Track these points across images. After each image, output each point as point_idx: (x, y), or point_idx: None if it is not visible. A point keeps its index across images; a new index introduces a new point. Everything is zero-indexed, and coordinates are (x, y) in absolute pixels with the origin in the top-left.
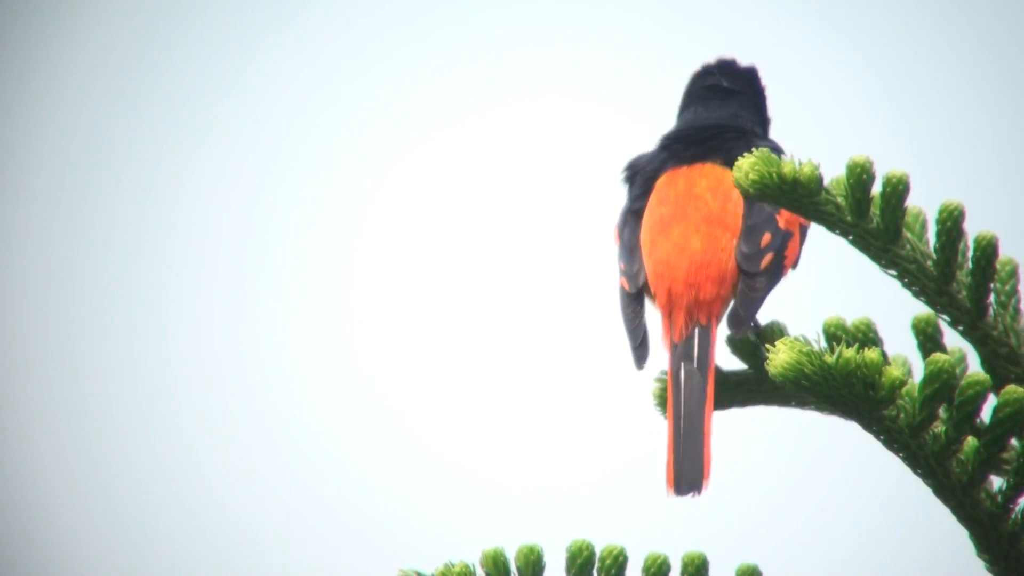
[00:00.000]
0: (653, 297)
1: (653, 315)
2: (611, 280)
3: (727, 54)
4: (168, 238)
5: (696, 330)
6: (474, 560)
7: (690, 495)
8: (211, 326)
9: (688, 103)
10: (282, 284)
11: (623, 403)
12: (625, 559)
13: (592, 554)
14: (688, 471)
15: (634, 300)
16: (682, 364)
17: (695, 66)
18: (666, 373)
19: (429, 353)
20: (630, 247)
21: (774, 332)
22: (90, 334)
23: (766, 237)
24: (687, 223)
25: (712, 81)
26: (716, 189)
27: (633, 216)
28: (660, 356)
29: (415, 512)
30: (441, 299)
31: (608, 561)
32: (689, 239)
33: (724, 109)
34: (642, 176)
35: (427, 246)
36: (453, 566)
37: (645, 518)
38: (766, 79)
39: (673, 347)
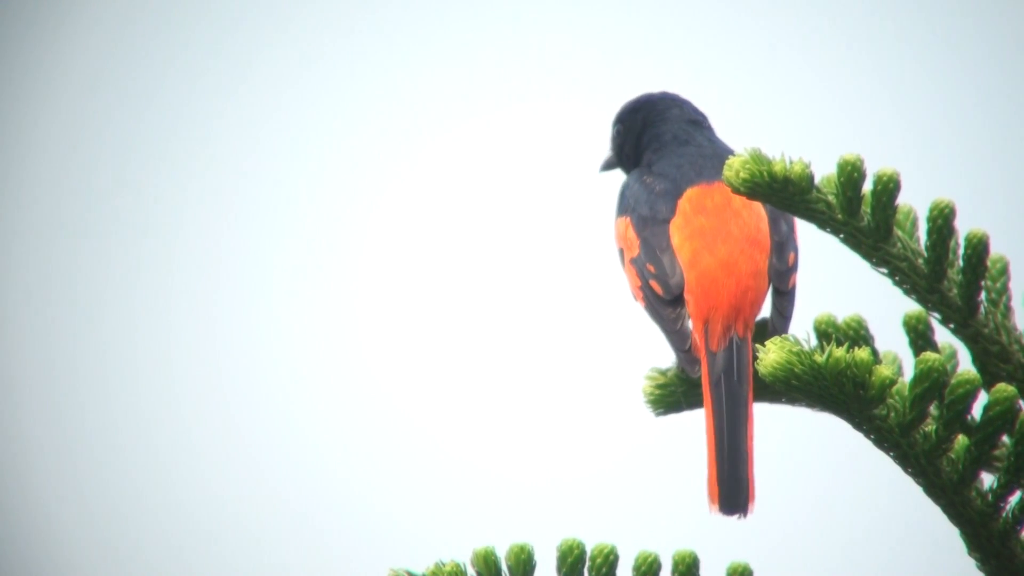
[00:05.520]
0: (686, 303)
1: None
2: (614, 276)
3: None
4: (171, 239)
5: (734, 341)
6: (465, 559)
7: (735, 516)
8: (214, 326)
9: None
10: (285, 283)
11: (613, 402)
12: (616, 558)
13: (583, 553)
14: (734, 493)
15: (670, 304)
16: (722, 376)
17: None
18: (700, 380)
19: (426, 352)
20: (660, 249)
21: (764, 330)
22: (92, 335)
23: (792, 256)
24: (732, 243)
25: (693, 116)
26: (748, 204)
27: (656, 222)
28: (661, 353)
29: (408, 510)
30: (442, 299)
31: (599, 560)
32: (736, 261)
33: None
34: (661, 186)
35: (430, 246)
36: (444, 565)
37: (636, 516)
38: (756, 80)
39: (710, 356)
